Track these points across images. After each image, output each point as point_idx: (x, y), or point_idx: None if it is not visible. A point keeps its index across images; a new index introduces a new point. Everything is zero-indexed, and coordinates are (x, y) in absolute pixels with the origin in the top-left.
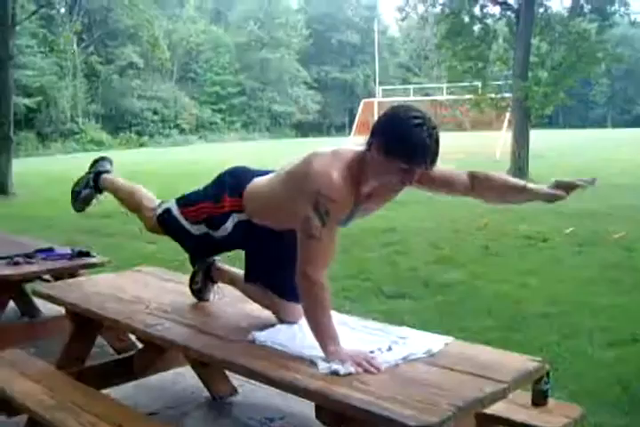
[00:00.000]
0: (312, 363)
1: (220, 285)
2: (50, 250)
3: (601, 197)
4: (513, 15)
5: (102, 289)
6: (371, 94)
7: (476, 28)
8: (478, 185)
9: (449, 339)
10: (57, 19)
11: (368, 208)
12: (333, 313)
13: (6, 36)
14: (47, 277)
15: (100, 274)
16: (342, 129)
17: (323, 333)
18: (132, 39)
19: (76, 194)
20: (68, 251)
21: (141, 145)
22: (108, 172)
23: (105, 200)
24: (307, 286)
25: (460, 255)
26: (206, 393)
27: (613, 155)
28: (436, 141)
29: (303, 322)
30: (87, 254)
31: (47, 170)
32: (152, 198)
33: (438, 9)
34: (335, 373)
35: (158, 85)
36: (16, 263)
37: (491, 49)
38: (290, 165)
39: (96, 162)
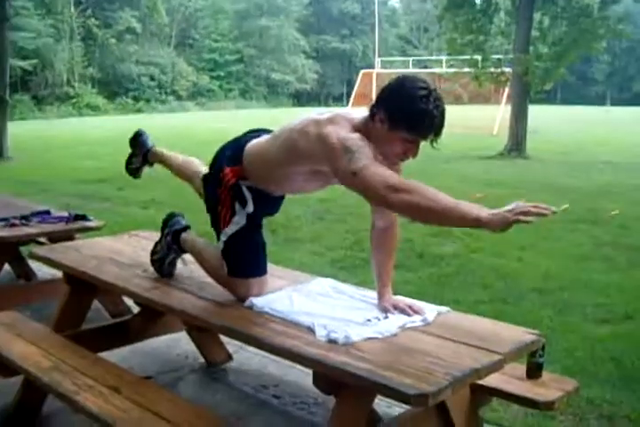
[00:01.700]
0: (310, 330)
1: (185, 257)
2: (46, 213)
3: (595, 174)
4: None
5: (99, 253)
6: (369, 65)
7: (478, 0)
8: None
9: (445, 309)
10: None
11: None
12: (332, 281)
13: None
14: (43, 240)
15: (96, 237)
16: (340, 99)
17: (458, 211)
18: (131, 3)
19: (134, 171)
20: (65, 214)
21: (137, 111)
22: (152, 147)
23: (102, 167)
24: (398, 206)
25: (456, 229)
26: (201, 359)
27: (609, 132)
28: (442, 113)
29: (299, 289)
30: (84, 218)
31: (43, 134)
32: (198, 166)
33: None
34: (333, 341)
35: (156, 51)
36: (12, 225)
37: (492, 22)
38: (286, 132)
39: (136, 139)
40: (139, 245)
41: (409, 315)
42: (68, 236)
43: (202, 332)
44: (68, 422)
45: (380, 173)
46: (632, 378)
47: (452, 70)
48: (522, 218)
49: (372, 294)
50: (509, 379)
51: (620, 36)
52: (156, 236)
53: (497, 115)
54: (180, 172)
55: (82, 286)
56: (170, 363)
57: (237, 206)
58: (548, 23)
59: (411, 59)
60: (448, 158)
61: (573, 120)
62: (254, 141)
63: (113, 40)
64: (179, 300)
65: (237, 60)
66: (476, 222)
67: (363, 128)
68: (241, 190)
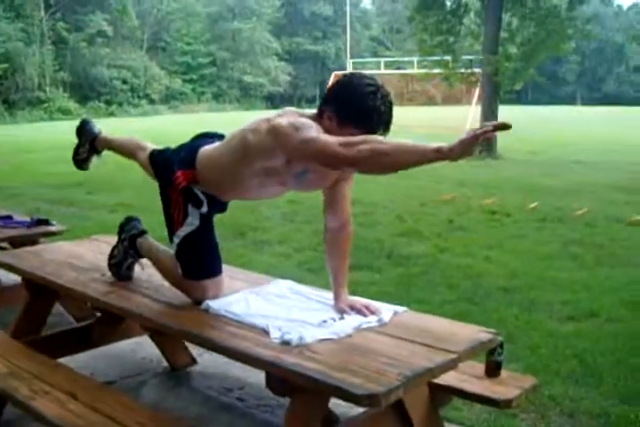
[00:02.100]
0: (264, 332)
1: (143, 261)
2: (8, 218)
3: (565, 173)
4: None
5: (59, 257)
6: (342, 67)
7: (448, 1)
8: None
9: (402, 308)
10: None
11: (323, 176)
12: (290, 283)
13: None
14: (5, 245)
15: (58, 242)
16: (313, 101)
17: (414, 150)
18: (102, 6)
19: (80, 162)
20: (27, 219)
21: (110, 114)
22: (99, 134)
23: (72, 171)
24: (351, 159)
25: (425, 229)
26: (165, 363)
27: (580, 132)
28: (390, 109)
29: (257, 291)
30: (46, 222)
31: (13, 138)
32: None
33: None
34: (287, 343)
35: (128, 54)
36: None
37: (462, 24)
38: (239, 133)
39: (83, 127)
40: (99, 250)
41: (365, 315)
42: (31, 241)
43: (164, 335)
44: None
45: (332, 137)
46: (594, 375)
47: (423, 71)
48: (478, 132)
49: (329, 295)
50: (468, 378)
51: (587, 37)
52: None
53: (469, 115)
54: (125, 148)
55: (41, 292)
56: (133, 367)
57: (190, 208)
58: (516, 24)
59: (382, 60)
60: None
61: (544, 120)
62: (208, 146)
63: (84, 43)
64: (136, 303)
65: (210, 63)
66: (438, 153)
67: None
68: (194, 192)
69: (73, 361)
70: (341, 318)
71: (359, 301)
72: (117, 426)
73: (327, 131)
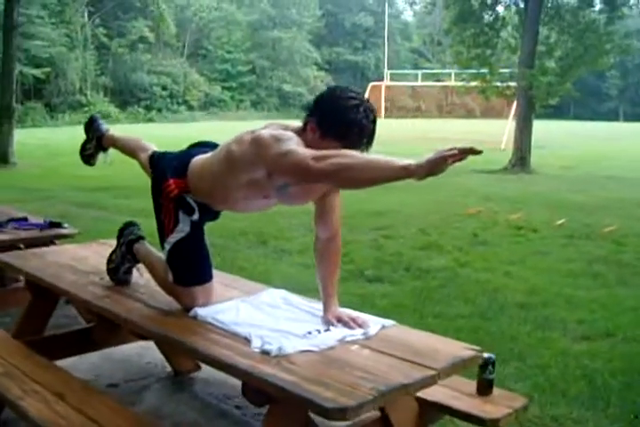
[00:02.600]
0: (247, 340)
1: (140, 266)
2: (23, 219)
3: (596, 189)
4: (522, 2)
5: (62, 259)
6: (381, 78)
7: (486, 14)
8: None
9: (389, 322)
10: None
11: (307, 190)
12: (284, 292)
13: (11, 5)
14: (22, 246)
15: (64, 245)
16: None
17: (384, 164)
18: (143, 13)
19: (88, 157)
20: (41, 221)
21: (149, 120)
22: (108, 130)
23: (104, 175)
24: (320, 172)
25: (447, 243)
26: (169, 368)
27: (616, 147)
28: (372, 123)
29: (250, 300)
30: (59, 225)
31: (51, 141)
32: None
33: None
34: (266, 353)
35: (168, 61)
36: None
37: (499, 37)
38: (226, 145)
39: (91, 125)
40: (102, 253)
41: (351, 328)
42: (43, 242)
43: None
44: None
45: (308, 150)
46: (601, 397)
47: (459, 84)
48: (447, 154)
49: (320, 306)
50: (459, 395)
51: (626, 53)
52: None
53: (505, 129)
54: (128, 148)
55: (43, 293)
56: (138, 371)
57: (182, 215)
58: (555, 38)
59: (420, 72)
60: (451, 172)
61: (581, 135)
62: (201, 156)
63: (126, 49)
64: (127, 308)
65: (249, 72)
66: (405, 171)
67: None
68: (186, 200)
69: (79, 363)
70: (327, 329)
71: (347, 313)
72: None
73: (310, 143)
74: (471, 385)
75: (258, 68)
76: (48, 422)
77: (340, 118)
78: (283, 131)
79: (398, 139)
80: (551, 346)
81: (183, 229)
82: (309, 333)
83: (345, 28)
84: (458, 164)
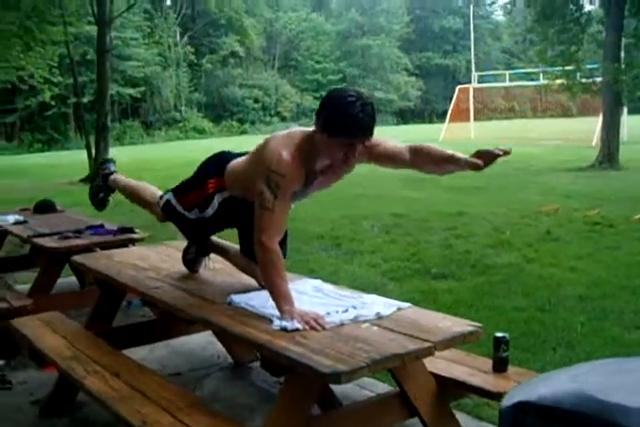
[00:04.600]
0: (270, 321)
1: (212, 256)
2: (100, 226)
3: None
4: None
5: (127, 259)
6: (470, 81)
7: (570, 10)
8: (417, 157)
9: (406, 305)
10: (161, 11)
11: (323, 182)
12: (317, 282)
13: (104, 30)
14: (97, 250)
15: (134, 247)
16: (444, 116)
17: (277, 293)
18: (234, 29)
19: (93, 196)
20: (115, 228)
21: (242, 133)
22: (113, 173)
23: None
24: (261, 252)
25: (518, 240)
26: (231, 359)
27: None
28: (369, 115)
29: None
30: (130, 231)
31: (142, 157)
32: (154, 192)
33: None
34: (284, 329)
35: (259, 74)
36: (66, 238)
37: (585, 32)
38: (255, 147)
39: (101, 165)
40: (164, 253)
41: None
42: (116, 246)
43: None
44: (99, 410)
45: (277, 222)
46: None
47: (544, 82)
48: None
49: (345, 292)
50: (476, 372)
51: None
52: (183, 245)
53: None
54: (138, 196)
55: (110, 288)
56: (201, 362)
57: (196, 211)
58: None
59: (507, 72)
60: (538, 171)
61: None
62: (236, 160)
63: (218, 65)
64: (173, 296)
65: (340, 80)
66: (282, 311)
67: (309, 141)
68: (211, 201)
69: (149, 355)
70: (345, 310)
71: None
72: (144, 399)
73: (321, 143)
74: (488, 363)
75: (348, 76)
76: (104, 394)
77: (339, 115)
78: (291, 152)
79: (481, 142)
80: (602, 335)
81: (190, 216)
82: (328, 313)
83: (434, 32)
84: (548, 160)
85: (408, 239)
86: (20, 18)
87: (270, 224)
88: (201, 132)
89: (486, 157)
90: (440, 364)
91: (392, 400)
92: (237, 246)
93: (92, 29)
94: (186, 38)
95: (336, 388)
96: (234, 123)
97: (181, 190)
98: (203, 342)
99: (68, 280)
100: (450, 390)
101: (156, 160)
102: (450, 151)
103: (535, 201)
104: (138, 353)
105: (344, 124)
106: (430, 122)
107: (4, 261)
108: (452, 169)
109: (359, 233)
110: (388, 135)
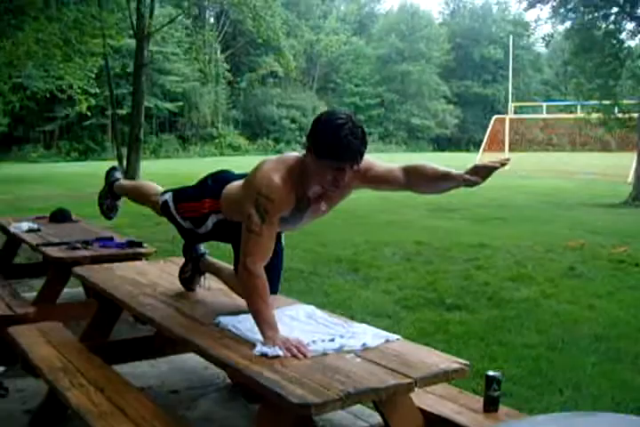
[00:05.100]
0: (253, 345)
1: (207, 275)
2: (109, 239)
3: None
4: None
5: (127, 273)
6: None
7: (608, 44)
8: (412, 178)
9: (394, 337)
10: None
11: (316, 209)
12: (311, 308)
13: (142, 44)
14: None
15: (136, 262)
16: (480, 145)
17: (260, 319)
18: (274, 48)
19: (101, 206)
20: (124, 241)
21: (278, 152)
22: (117, 180)
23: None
24: (246, 277)
25: (540, 274)
26: (229, 380)
27: None
28: (358, 138)
29: (275, 312)
30: (139, 245)
31: (177, 170)
32: (154, 187)
33: (568, 24)
34: (264, 355)
35: (298, 94)
36: (74, 248)
37: (623, 66)
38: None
39: (108, 173)
40: (165, 269)
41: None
42: (122, 259)
43: None
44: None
45: (263, 246)
46: None
47: (579, 116)
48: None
49: (337, 320)
50: (465, 411)
51: None
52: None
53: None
54: (140, 193)
55: (108, 302)
56: (200, 380)
57: (189, 223)
58: None
59: (545, 104)
60: (569, 205)
61: None
62: (232, 183)
63: (256, 83)
64: (162, 315)
65: (378, 105)
66: (265, 337)
67: (301, 165)
68: (206, 221)
69: (149, 371)
70: (331, 339)
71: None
72: (122, 417)
73: (311, 166)
74: (480, 402)
75: (386, 101)
76: (83, 408)
77: (327, 138)
78: (282, 177)
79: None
80: (613, 377)
81: (185, 225)
82: (313, 341)
83: (474, 61)
84: (580, 195)
85: (428, 268)
86: (61, 29)
87: (256, 248)
88: (236, 149)
89: (483, 172)
90: (429, 400)
91: None
92: (232, 267)
93: (133, 43)
94: (226, 56)
95: (331, 416)
96: (269, 141)
97: (180, 197)
98: (203, 360)
99: (76, 291)
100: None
101: (187, 174)
102: (445, 169)
103: (562, 235)
104: (140, 368)
105: (332, 146)
106: (467, 150)
107: (20, 268)
108: (448, 187)
109: (379, 259)
110: (418, 159)
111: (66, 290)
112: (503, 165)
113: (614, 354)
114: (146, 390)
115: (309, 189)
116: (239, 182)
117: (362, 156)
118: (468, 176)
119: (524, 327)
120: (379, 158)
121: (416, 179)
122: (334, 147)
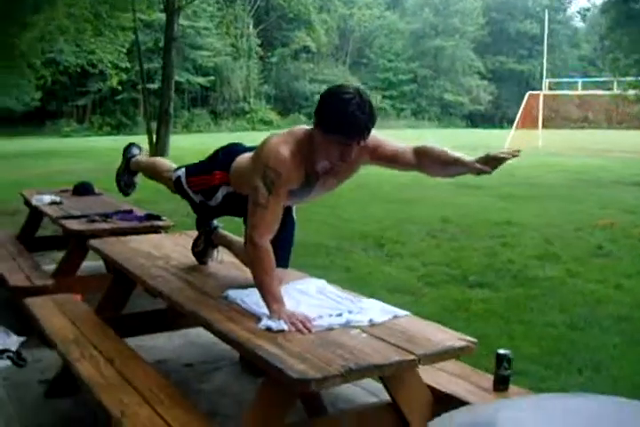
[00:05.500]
0: (258, 319)
1: (220, 249)
2: (129, 212)
3: None
4: None
5: (142, 246)
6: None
7: None
8: (422, 159)
9: (403, 313)
10: (234, 2)
11: (325, 184)
12: (321, 282)
13: (172, 18)
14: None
15: (151, 235)
16: (514, 122)
17: (266, 292)
18: (307, 23)
19: (118, 182)
20: (142, 214)
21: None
22: (134, 156)
23: None
24: (251, 249)
25: (567, 253)
26: None
27: None
28: (366, 113)
29: (286, 287)
30: (157, 218)
31: (208, 145)
32: (168, 164)
33: None
34: (269, 329)
35: (330, 70)
36: (92, 221)
37: None
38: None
39: (125, 149)
40: (180, 242)
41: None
42: (140, 232)
43: None
44: None
45: (269, 219)
46: None
47: (615, 93)
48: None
49: (347, 295)
50: (475, 390)
51: None
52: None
53: None
54: (154, 169)
55: (121, 275)
56: (214, 354)
57: (200, 196)
58: None
59: (580, 80)
60: (603, 183)
61: None
62: (242, 155)
63: (289, 58)
64: (171, 287)
65: (411, 80)
66: (270, 310)
67: (310, 139)
68: (216, 192)
69: (166, 344)
70: (339, 315)
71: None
72: (130, 388)
73: (318, 140)
74: (492, 381)
75: (419, 76)
76: (92, 380)
77: (334, 112)
78: (290, 150)
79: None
80: (635, 359)
81: (195, 198)
82: (320, 316)
83: (510, 36)
84: (616, 173)
85: (453, 245)
86: (91, 3)
87: (262, 221)
88: (267, 124)
89: (493, 162)
90: (441, 378)
91: (382, 411)
92: (242, 240)
93: (164, 17)
94: (259, 31)
95: (342, 391)
96: (301, 117)
97: (192, 171)
98: None
99: (97, 264)
100: (445, 405)
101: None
102: (456, 154)
103: (593, 214)
104: (156, 340)
105: (339, 122)
106: (501, 127)
107: (44, 240)
108: (458, 172)
109: (404, 235)
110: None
111: (87, 263)
112: (514, 156)
113: (639, 335)
114: (162, 363)
115: (318, 164)
116: (249, 155)
117: (369, 131)
118: (479, 165)
119: (547, 306)
120: (409, 135)
121: (427, 161)
122: (341, 122)
